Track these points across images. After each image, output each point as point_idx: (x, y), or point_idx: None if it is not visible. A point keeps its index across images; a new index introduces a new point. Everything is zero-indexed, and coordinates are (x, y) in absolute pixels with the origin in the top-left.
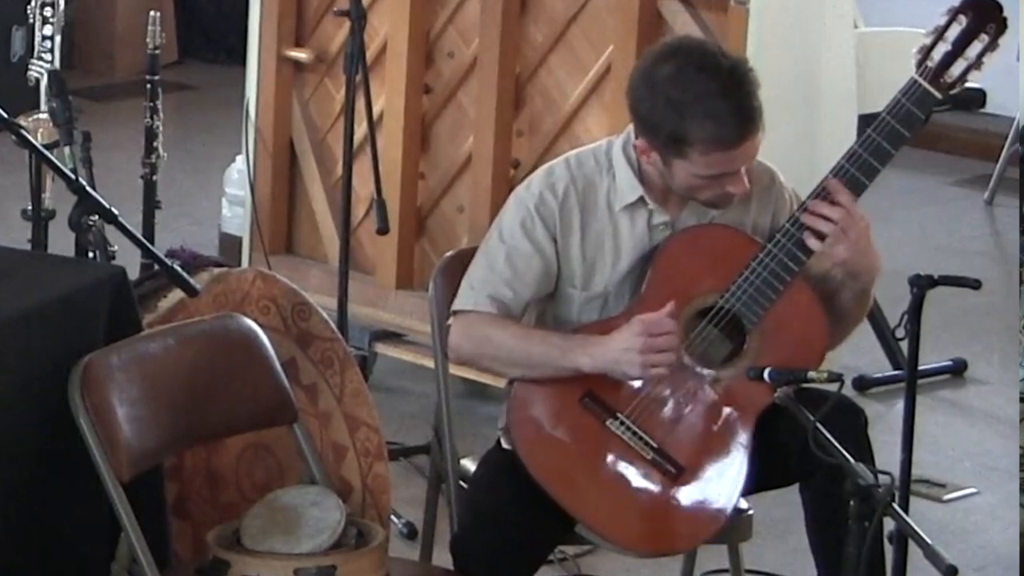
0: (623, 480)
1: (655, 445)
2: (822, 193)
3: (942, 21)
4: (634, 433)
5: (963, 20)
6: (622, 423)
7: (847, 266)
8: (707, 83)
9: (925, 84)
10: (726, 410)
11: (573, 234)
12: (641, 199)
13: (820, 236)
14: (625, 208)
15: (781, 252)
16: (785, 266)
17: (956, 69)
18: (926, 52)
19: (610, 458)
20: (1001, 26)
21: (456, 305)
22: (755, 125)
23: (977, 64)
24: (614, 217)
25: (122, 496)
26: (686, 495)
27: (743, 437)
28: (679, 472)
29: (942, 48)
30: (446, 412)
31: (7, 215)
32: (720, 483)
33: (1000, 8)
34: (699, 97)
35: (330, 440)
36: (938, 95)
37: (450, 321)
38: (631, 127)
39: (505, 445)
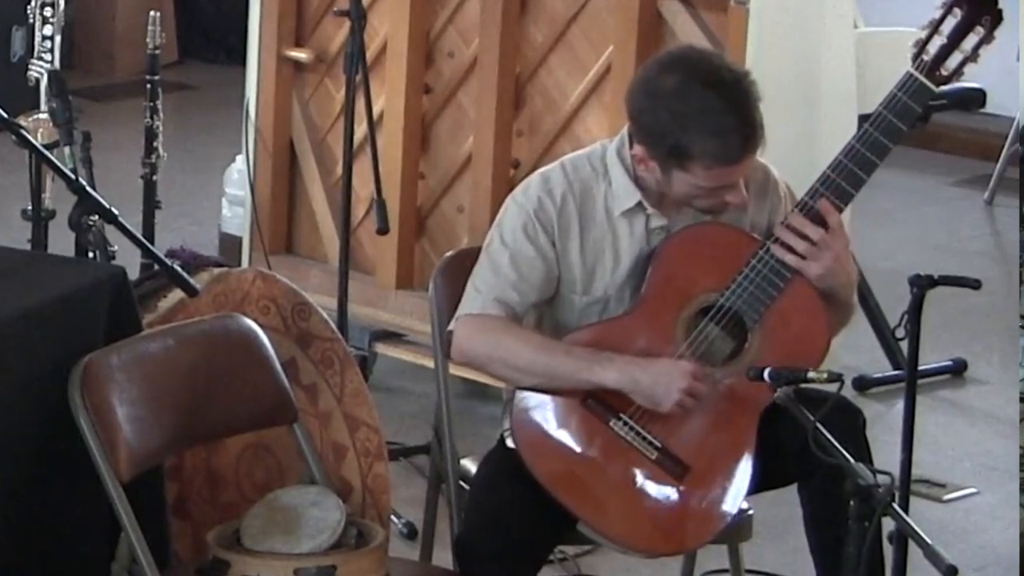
0: (628, 481)
1: (659, 445)
2: (809, 210)
3: (937, 15)
4: (637, 433)
5: (958, 13)
6: (625, 423)
7: (820, 283)
8: (712, 99)
9: (921, 77)
10: (729, 408)
11: (572, 240)
12: (639, 204)
13: (794, 253)
14: (623, 214)
15: None
16: (785, 263)
17: (952, 62)
18: (921, 46)
19: (614, 459)
20: (996, 18)
21: (463, 309)
22: (757, 141)
23: (973, 57)
24: (612, 223)
25: (122, 496)
26: (691, 494)
27: (747, 435)
28: (684, 471)
29: (937, 41)
30: (446, 412)
31: (7, 215)
32: (725, 482)
33: (995, 0)
34: (703, 112)
35: (330, 440)
36: (934, 88)
37: (452, 326)
38: (624, 131)
39: (510, 444)
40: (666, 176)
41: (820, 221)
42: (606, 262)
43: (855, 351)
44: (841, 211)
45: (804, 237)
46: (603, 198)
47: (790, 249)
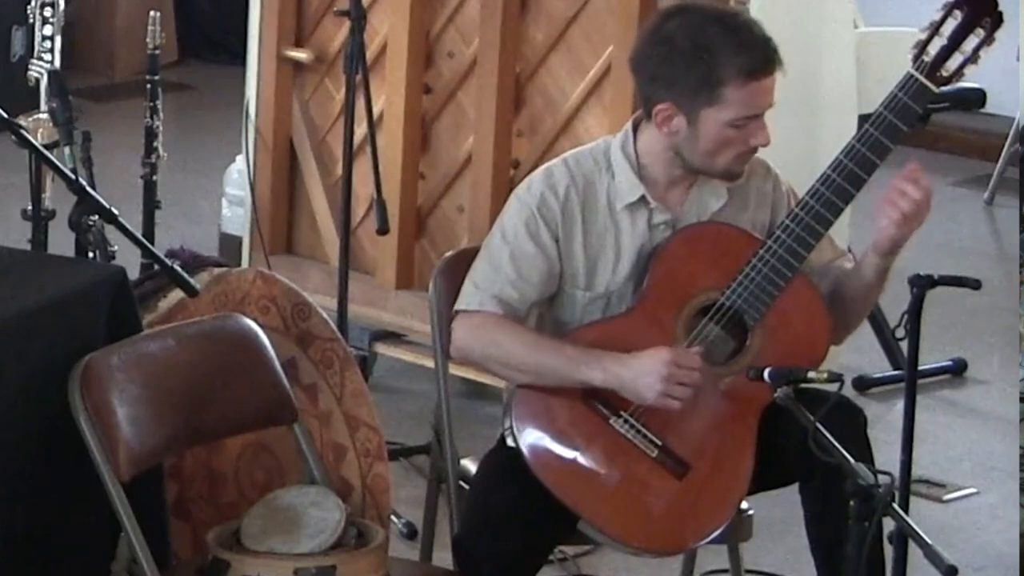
0: (628, 479)
1: (659, 443)
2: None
3: (938, 16)
4: (638, 431)
5: (958, 15)
6: (626, 421)
7: (894, 249)
8: (726, 21)
9: (921, 78)
10: (730, 407)
11: (575, 234)
12: (642, 198)
13: (900, 211)
14: (626, 207)
15: (781, 248)
16: (786, 262)
17: (952, 63)
18: (922, 47)
19: (615, 457)
20: (997, 20)
21: (460, 305)
22: (777, 55)
23: (973, 58)
24: (615, 217)
25: (122, 496)
26: (692, 494)
27: (747, 434)
28: (684, 470)
29: (938, 43)
30: (446, 412)
31: (7, 215)
32: (725, 481)
33: (995, 2)
34: (721, 33)
35: (330, 440)
36: (935, 89)
37: (453, 324)
38: (628, 125)
39: (510, 443)
40: (693, 127)
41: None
42: (608, 257)
43: (855, 351)
44: (841, 211)
45: (908, 197)
46: (606, 191)
47: (895, 206)
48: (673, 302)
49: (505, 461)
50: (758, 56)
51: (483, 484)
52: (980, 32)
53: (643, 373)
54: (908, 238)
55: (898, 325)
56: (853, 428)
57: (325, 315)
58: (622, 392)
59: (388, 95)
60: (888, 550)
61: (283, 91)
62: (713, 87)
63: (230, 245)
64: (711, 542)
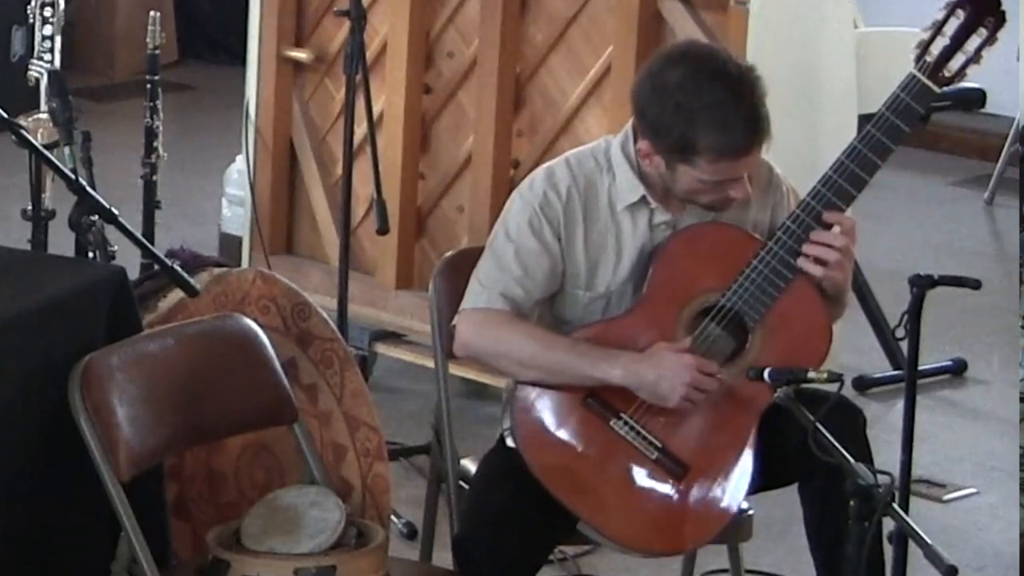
0: (628, 480)
1: (659, 445)
2: (813, 212)
3: (940, 16)
4: (638, 433)
5: (961, 15)
6: (625, 423)
7: (836, 288)
8: (718, 91)
9: (923, 79)
10: (730, 408)
11: (577, 234)
12: (643, 199)
13: (822, 263)
14: (627, 208)
15: (782, 250)
16: (787, 263)
17: (955, 63)
18: (924, 47)
19: (614, 458)
20: (999, 19)
21: (467, 303)
22: (763, 135)
23: (976, 58)
24: (616, 217)
25: (122, 496)
26: (691, 494)
27: (747, 435)
28: (684, 472)
29: (940, 43)
30: (446, 412)
31: (7, 215)
32: (725, 481)
33: (998, 2)
34: (709, 105)
35: (330, 440)
36: (937, 89)
37: (455, 320)
38: (629, 126)
39: (510, 443)
40: (671, 171)
41: (828, 226)
42: (608, 257)
43: (855, 351)
44: (843, 212)
45: (832, 247)
46: (607, 192)
47: (822, 262)
48: (673, 303)
49: (505, 461)
50: (736, 139)
51: (483, 484)
52: (983, 32)
53: (667, 375)
54: (844, 283)
55: (898, 325)
56: (853, 428)
57: (325, 315)
58: (638, 391)
59: (388, 95)
60: (888, 550)
61: (283, 91)
62: (686, 152)
63: (230, 245)
64: (711, 542)
